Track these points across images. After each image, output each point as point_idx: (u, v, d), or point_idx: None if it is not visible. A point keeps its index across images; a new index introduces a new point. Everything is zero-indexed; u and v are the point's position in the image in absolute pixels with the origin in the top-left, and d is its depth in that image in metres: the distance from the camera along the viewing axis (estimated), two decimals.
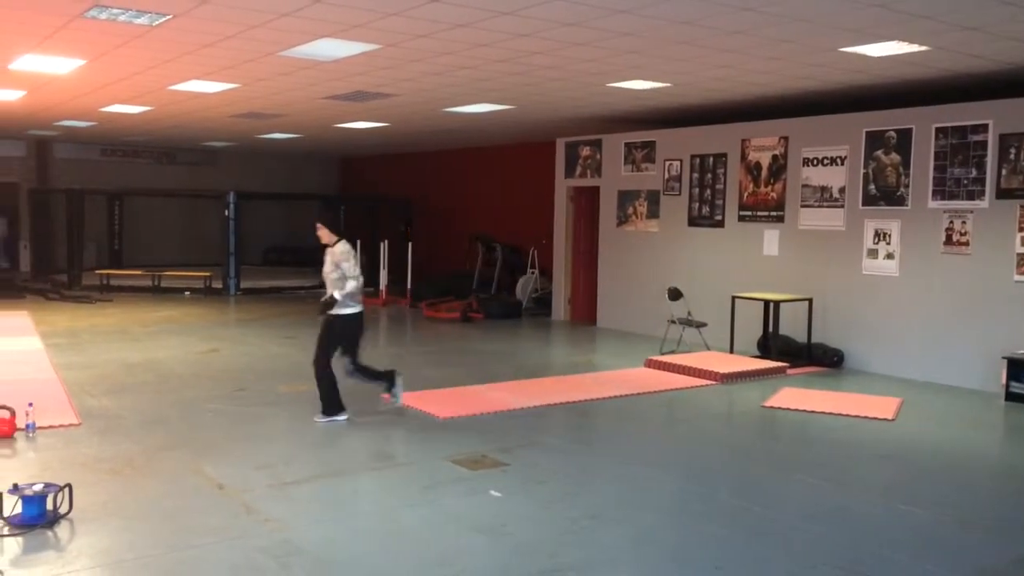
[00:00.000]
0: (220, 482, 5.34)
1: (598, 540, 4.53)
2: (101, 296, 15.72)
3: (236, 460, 5.83)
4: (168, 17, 6.63)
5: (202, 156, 21.77)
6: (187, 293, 16.46)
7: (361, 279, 6.77)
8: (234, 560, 4.17)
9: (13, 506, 4.50)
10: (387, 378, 7.16)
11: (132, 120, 14.06)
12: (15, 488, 4.53)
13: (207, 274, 16.81)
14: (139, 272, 17.35)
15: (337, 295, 6.65)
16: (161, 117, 13.57)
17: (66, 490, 4.65)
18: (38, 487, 4.55)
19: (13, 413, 6.22)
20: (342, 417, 6.85)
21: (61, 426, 6.50)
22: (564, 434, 7.08)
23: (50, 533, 4.42)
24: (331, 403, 6.86)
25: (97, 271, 17.57)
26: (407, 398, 7.53)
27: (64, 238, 18.04)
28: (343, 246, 6.79)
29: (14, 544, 4.28)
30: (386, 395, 7.24)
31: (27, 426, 6.25)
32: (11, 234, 20.07)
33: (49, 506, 4.54)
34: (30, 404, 6.36)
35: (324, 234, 6.85)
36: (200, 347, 10.41)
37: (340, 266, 6.70)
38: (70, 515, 4.61)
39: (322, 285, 7.23)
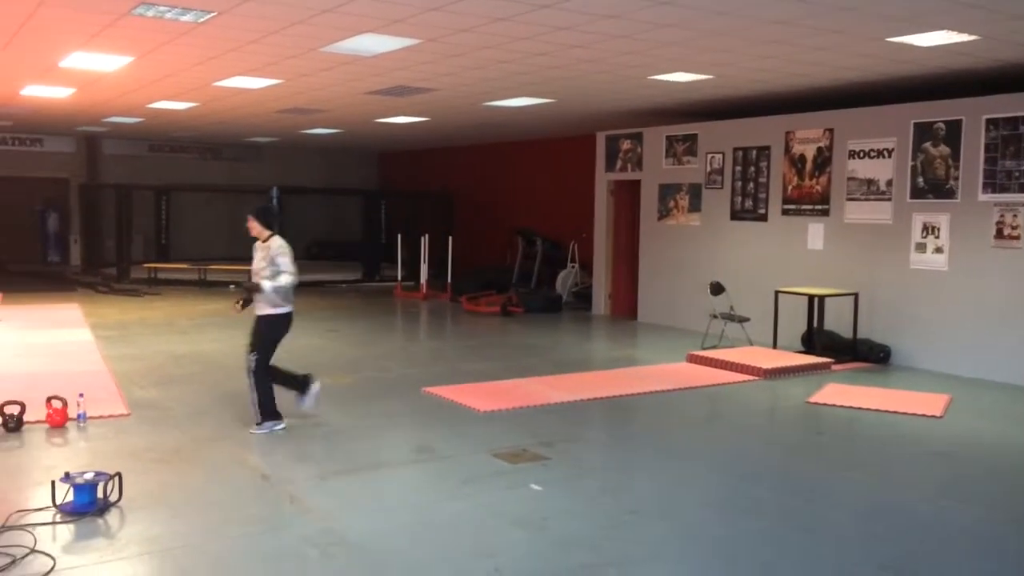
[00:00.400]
0: (264, 472, 5.42)
1: (640, 535, 4.51)
2: (149, 289, 16.03)
3: (280, 451, 5.91)
4: (213, 14, 6.72)
5: (246, 152, 22.07)
6: (232, 287, 16.67)
7: (295, 278, 6.28)
8: (278, 548, 4.23)
9: (65, 494, 4.61)
10: (273, 406, 6.39)
11: (178, 116, 14.29)
12: (67, 476, 4.64)
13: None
14: (186, 266, 17.66)
15: (267, 285, 6.17)
16: (206, 113, 13.78)
17: (116, 479, 4.75)
18: (89, 475, 4.66)
19: (65, 403, 6.37)
20: (280, 426, 6.37)
21: (111, 416, 6.64)
22: (605, 429, 7.06)
23: (100, 520, 4.52)
24: (267, 410, 6.38)
25: (145, 265, 17.91)
26: (445, 391, 7.58)
27: (113, 232, 18.43)
28: (279, 240, 6.31)
29: (66, 531, 4.39)
30: (255, 429, 6.33)
31: (78, 416, 6.39)
32: (62, 229, 20.54)
33: (100, 494, 4.64)
34: (81, 395, 6.51)
35: (254, 227, 6.36)
36: (245, 340, 10.51)
37: (276, 261, 6.20)
38: (120, 503, 4.71)
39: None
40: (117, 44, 8.04)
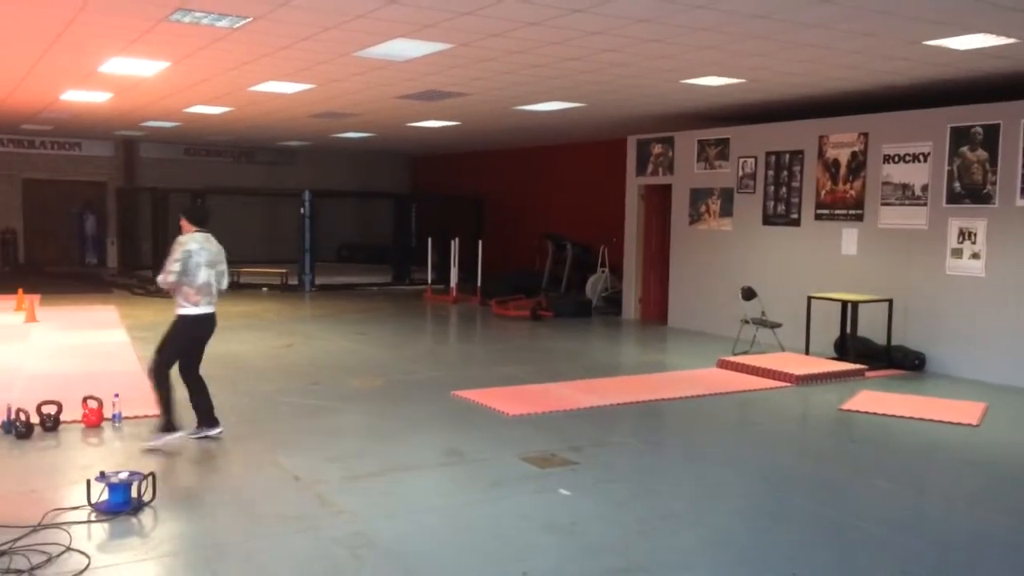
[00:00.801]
0: (295, 474, 5.46)
1: (670, 541, 4.49)
2: None
3: (310, 452, 5.95)
4: (248, 20, 6.80)
5: (279, 156, 22.30)
6: (264, 289, 16.86)
7: (171, 277, 5.91)
8: (308, 549, 4.26)
9: (100, 493, 4.69)
10: (204, 416, 6.18)
11: (213, 120, 14.47)
12: (102, 476, 4.71)
13: (283, 271, 17.20)
14: None
15: (160, 278, 6.02)
16: (241, 118, 13.94)
17: (150, 478, 4.82)
18: (123, 475, 4.73)
19: (100, 403, 6.47)
20: (176, 435, 5.98)
21: (145, 416, 6.71)
22: (634, 434, 7.02)
23: (134, 520, 4.58)
24: (165, 419, 6.00)
25: None
26: (474, 395, 7.59)
27: (149, 235, 18.70)
28: (182, 237, 6.06)
29: (100, 530, 4.46)
30: (199, 433, 6.12)
31: (113, 416, 6.49)
32: (99, 231, 20.88)
33: (134, 493, 4.70)
34: (116, 395, 6.61)
35: (184, 226, 6.19)
36: (276, 342, 10.65)
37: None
38: (153, 502, 4.77)
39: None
40: (154, 49, 8.16)
